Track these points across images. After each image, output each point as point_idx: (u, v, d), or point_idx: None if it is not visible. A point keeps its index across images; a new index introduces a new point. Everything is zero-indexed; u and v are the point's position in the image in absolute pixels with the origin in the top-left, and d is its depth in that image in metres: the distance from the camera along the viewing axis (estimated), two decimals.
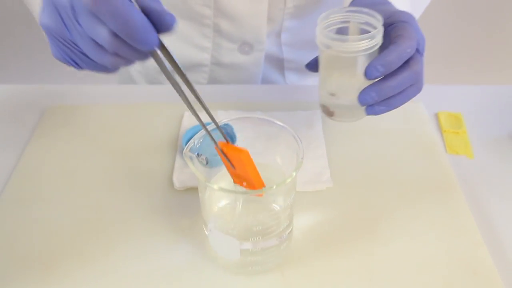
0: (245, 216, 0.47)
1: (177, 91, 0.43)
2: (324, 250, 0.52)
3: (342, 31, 0.55)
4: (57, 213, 0.56)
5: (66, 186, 0.59)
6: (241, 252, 0.48)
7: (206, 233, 0.50)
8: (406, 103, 0.71)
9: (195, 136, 0.47)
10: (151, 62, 0.84)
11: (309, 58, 0.59)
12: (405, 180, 0.61)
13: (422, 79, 0.53)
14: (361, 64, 0.52)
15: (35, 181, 0.60)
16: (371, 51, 0.51)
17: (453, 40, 1.61)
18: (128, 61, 0.43)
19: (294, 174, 0.44)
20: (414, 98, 0.72)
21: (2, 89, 0.75)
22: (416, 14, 0.68)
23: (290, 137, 0.48)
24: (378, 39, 0.51)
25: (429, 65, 1.74)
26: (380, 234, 0.54)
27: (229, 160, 0.46)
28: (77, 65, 0.47)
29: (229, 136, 0.57)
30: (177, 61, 0.43)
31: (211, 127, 0.49)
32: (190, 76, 0.84)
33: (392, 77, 0.50)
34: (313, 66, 0.57)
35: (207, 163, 0.50)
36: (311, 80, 0.89)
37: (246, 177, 0.46)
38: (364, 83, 0.51)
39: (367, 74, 0.49)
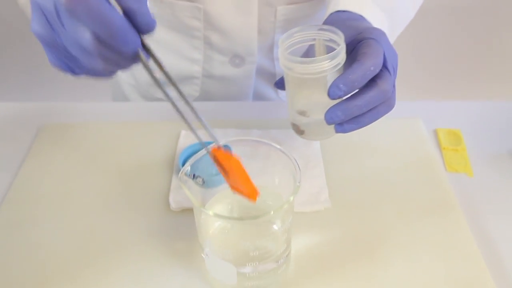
0: (242, 241, 0.46)
1: (167, 99, 0.42)
2: (322, 273, 0.52)
3: (309, 49, 0.55)
4: (51, 236, 0.55)
5: (61, 208, 0.58)
6: (238, 276, 0.47)
7: (203, 256, 0.49)
8: (405, 119, 0.71)
9: (191, 159, 0.47)
10: (142, 74, 0.83)
11: None
12: (404, 199, 0.60)
13: (394, 97, 0.52)
14: (327, 82, 0.51)
15: (29, 203, 0.59)
16: (333, 71, 0.51)
17: (452, 55, 1.60)
18: (118, 65, 0.42)
19: (291, 199, 0.43)
20: (412, 114, 0.73)
21: None
22: (396, 30, 0.67)
23: (287, 159, 0.47)
24: (340, 58, 0.50)
25: (427, 80, 1.74)
26: (379, 256, 0.53)
27: (221, 167, 0.44)
28: (74, 72, 0.47)
29: None
30: (165, 68, 0.42)
31: (210, 147, 0.48)
32: (182, 88, 0.83)
33: (359, 96, 0.50)
34: (281, 85, 0.57)
35: (203, 183, 0.50)
36: None
37: (238, 185, 0.44)
38: (332, 101, 0.50)
39: (330, 93, 0.49)
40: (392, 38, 0.66)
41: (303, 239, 0.55)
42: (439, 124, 0.72)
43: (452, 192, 0.61)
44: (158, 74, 0.42)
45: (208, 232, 0.49)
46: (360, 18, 0.58)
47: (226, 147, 0.53)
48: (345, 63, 0.52)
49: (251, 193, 0.43)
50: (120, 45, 0.39)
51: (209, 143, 0.63)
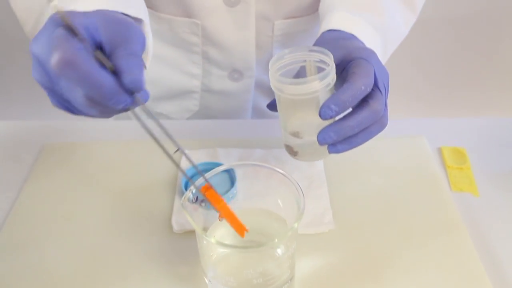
0: (245, 268, 0.46)
1: (159, 145, 0.44)
2: None
3: (300, 70, 0.54)
4: (52, 258, 0.55)
5: (62, 230, 0.58)
6: None
7: (206, 281, 0.49)
8: (409, 137, 0.71)
9: (193, 185, 0.46)
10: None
11: None
12: (409, 220, 0.59)
13: (386, 115, 0.52)
14: (318, 103, 0.50)
15: (31, 224, 0.58)
16: (324, 91, 0.50)
17: (457, 71, 1.58)
18: (113, 113, 0.44)
19: (296, 225, 0.43)
20: (416, 132, 0.72)
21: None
22: (389, 47, 0.67)
23: (291, 184, 0.47)
24: (330, 78, 0.50)
25: (431, 97, 1.73)
26: (385, 278, 0.53)
27: (211, 205, 0.46)
28: (74, 113, 0.47)
29: (230, 179, 0.56)
30: (159, 121, 0.44)
31: (214, 171, 0.48)
32: (181, 103, 0.84)
33: (351, 117, 0.49)
34: (273, 106, 0.56)
35: (206, 205, 0.49)
36: None
37: (228, 221, 0.46)
38: (324, 122, 0.50)
39: (321, 114, 0.48)
40: (386, 56, 0.66)
41: (307, 262, 0.54)
42: (444, 142, 0.71)
43: (457, 212, 0.60)
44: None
45: (210, 257, 0.48)
46: (352, 37, 0.58)
47: (230, 169, 0.53)
48: (336, 83, 0.52)
49: (239, 230, 0.46)
50: (111, 104, 0.40)
51: (214, 164, 0.63)
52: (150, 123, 0.44)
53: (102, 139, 0.71)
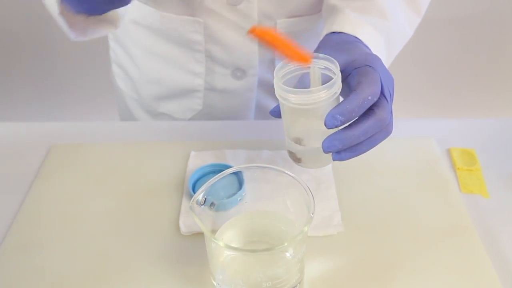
0: (254, 271, 0.45)
1: None
2: None
3: (303, 76, 0.54)
4: (60, 260, 0.55)
5: (69, 231, 0.58)
6: None
7: (214, 284, 0.49)
8: (417, 139, 0.70)
9: (202, 187, 0.46)
10: (145, 88, 0.84)
11: None
12: (418, 222, 0.59)
13: (391, 123, 0.52)
14: (323, 111, 0.50)
15: (38, 226, 0.58)
16: (329, 100, 0.49)
17: (466, 71, 1.57)
18: None
19: (305, 229, 0.42)
20: (425, 133, 0.72)
21: (6, 127, 0.74)
22: (393, 50, 0.66)
23: (300, 186, 0.46)
24: (336, 87, 0.49)
25: (440, 98, 1.71)
26: (394, 282, 0.52)
27: (264, 43, 0.46)
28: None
29: (238, 181, 0.55)
30: None
31: (222, 174, 0.48)
32: (184, 102, 0.84)
33: (356, 126, 0.49)
34: (277, 113, 0.56)
35: (215, 207, 0.49)
36: None
37: (287, 55, 0.46)
38: (329, 130, 0.49)
39: (327, 123, 0.48)
40: (390, 58, 0.66)
41: (316, 264, 0.54)
42: (453, 143, 0.71)
43: (467, 214, 0.60)
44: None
45: (219, 260, 0.48)
46: (355, 40, 0.57)
47: (239, 171, 0.53)
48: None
49: (302, 58, 0.46)
50: None
51: (222, 165, 0.62)
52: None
53: (109, 140, 0.71)
